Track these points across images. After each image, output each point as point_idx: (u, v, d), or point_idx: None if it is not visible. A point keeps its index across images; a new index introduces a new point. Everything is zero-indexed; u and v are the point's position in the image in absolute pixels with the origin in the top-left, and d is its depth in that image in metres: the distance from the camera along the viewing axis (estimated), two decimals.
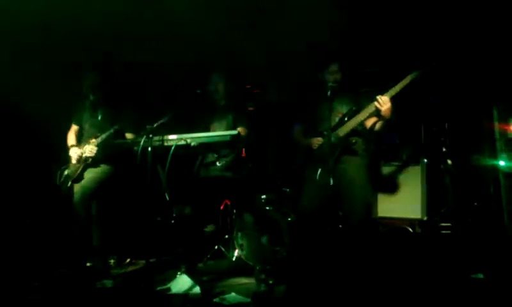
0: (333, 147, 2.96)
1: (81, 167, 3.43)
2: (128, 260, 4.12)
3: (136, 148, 2.99)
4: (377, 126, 3.05)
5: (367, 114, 2.98)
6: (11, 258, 3.73)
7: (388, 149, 4.45)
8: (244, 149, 4.34)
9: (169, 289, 3.06)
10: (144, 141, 2.90)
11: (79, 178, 3.44)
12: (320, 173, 3.01)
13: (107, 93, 3.58)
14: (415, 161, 4.19)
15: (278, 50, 4.72)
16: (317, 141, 3.09)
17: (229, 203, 4.25)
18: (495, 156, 3.76)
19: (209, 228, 4.36)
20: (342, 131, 3.04)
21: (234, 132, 3.08)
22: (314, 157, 3.10)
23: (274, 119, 5.02)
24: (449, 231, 3.88)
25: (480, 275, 3.08)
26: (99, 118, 3.53)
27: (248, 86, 4.79)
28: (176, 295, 2.98)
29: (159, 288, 3.07)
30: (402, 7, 4.06)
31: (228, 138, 3.05)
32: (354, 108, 3.05)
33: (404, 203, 4.06)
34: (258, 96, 4.84)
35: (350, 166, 3.05)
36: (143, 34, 4.50)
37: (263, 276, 3.16)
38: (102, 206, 3.52)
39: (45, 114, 4.33)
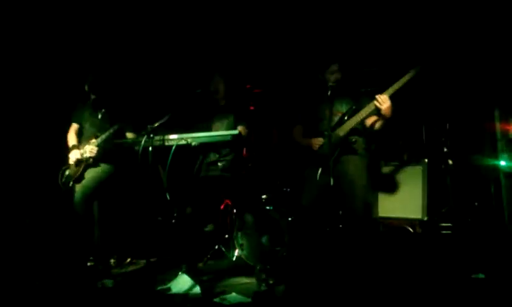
0: (333, 147, 2.95)
1: (82, 167, 3.43)
2: (128, 260, 4.13)
3: (136, 147, 3.00)
4: (378, 125, 3.05)
5: (367, 113, 2.98)
6: (12, 258, 3.73)
7: (389, 149, 4.45)
8: (244, 149, 4.34)
9: (169, 289, 3.06)
10: (145, 141, 2.90)
11: (80, 178, 3.44)
12: (320, 172, 3.01)
13: (107, 93, 3.58)
14: (416, 161, 4.19)
15: (278, 50, 4.73)
16: (318, 141, 3.09)
17: (229, 202, 4.26)
18: (496, 156, 3.76)
19: (209, 228, 4.37)
20: (342, 130, 3.04)
21: (235, 132, 3.08)
22: (314, 157, 3.10)
23: (274, 119, 5.02)
24: (450, 231, 3.88)
25: (481, 276, 3.07)
26: (99, 117, 3.53)
27: (248, 86, 4.80)
28: (177, 295, 2.98)
29: (159, 288, 3.07)
30: (402, 8, 4.06)
31: (229, 138, 3.06)
32: (354, 107, 3.05)
33: (404, 202, 4.06)
34: (258, 96, 4.84)
35: (350, 166, 3.05)
36: (144, 34, 4.52)
37: (263, 276, 3.16)
38: (102, 205, 3.52)
39: (45, 113, 4.34)
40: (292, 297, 2.88)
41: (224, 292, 3.04)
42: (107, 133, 3.39)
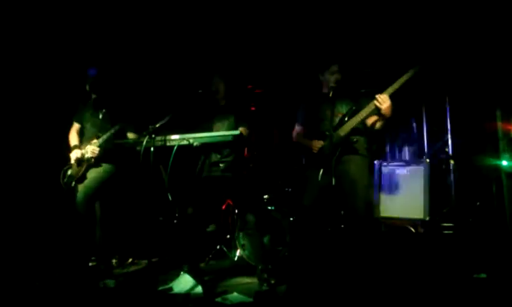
0: (334, 147, 2.96)
1: (84, 167, 3.44)
2: (130, 260, 4.13)
3: (138, 147, 3.00)
4: (378, 124, 3.05)
5: (367, 113, 2.98)
6: (12, 258, 3.74)
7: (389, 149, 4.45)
8: (246, 149, 4.34)
9: (171, 289, 3.07)
10: (146, 141, 2.91)
11: (82, 178, 3.45)
12: (321, 173, 3.01)
13: (108, 93, 3.58)
14: (418, 161, 4.18)
15: (279, 51, 4.73)
16: (317, 144, 3.08)
17: (231, 203, 4.26)
18: (498, 156, 3.75)
19: (211, 228, 4.37)
20: (343, 130, 3.04)
21: (236, 132, 3.08)
22: (315, 157, 3.10)
23: (275, 120, 5.03)
24: (451, 231, 3.87)
25: (483, 275, 3.07)
26: (100, 117, 3.53)
27: (250, 87, 4.80)
28: (179, 295, 2.99)
29: (161, 288, 3.08)
30: (403, 8, 4.06)
31: (230, 138, 3.06)
32: (354, 107, 3.05)
33: (406, 203, 4.05)
34: (259, 96, 4.85)
35: (351, 166, 3.05)
36: (145, 34, 4.52)
37: (265, 276, 3.16)
38: (104, 206, 3.53)
39: (46, 113, 4.35)
40: (294, 297, 2.88)
41: (226, 292, 3.04)
42: (108, 134, 3.39)
